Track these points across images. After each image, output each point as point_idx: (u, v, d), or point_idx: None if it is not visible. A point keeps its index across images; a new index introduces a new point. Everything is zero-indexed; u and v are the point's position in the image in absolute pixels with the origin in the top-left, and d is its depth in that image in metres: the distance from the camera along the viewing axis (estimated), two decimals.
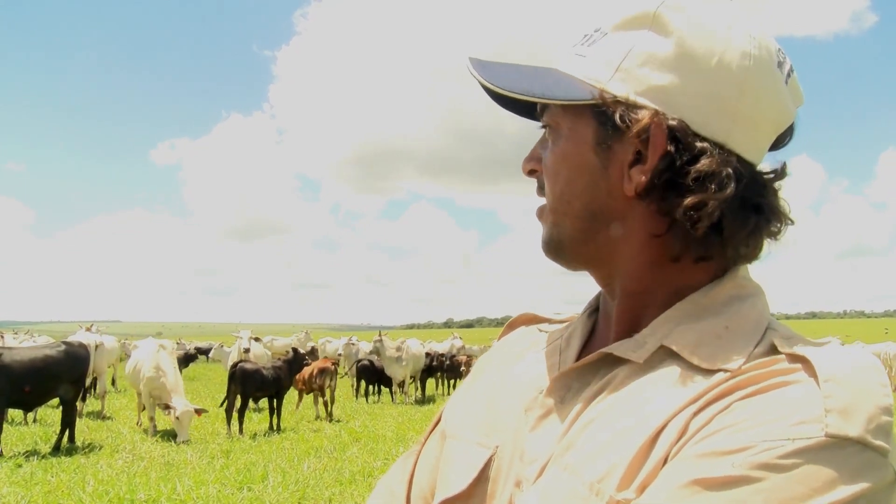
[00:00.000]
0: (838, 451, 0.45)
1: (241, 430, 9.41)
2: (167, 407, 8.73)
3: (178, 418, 8.58)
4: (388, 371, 14.01)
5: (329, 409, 11.42)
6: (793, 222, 0.62)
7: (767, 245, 0.63)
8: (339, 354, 16.68)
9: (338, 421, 11.06)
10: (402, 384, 14.26)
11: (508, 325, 0.82)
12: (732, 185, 0.56)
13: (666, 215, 0.59)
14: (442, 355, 15.99)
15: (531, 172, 0.68)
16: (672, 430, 0.51)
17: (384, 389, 15.25)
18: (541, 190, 0.68)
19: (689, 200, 0.56)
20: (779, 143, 0.63)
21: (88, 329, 12.71)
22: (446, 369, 15.74)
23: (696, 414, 0.51)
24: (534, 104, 0.65)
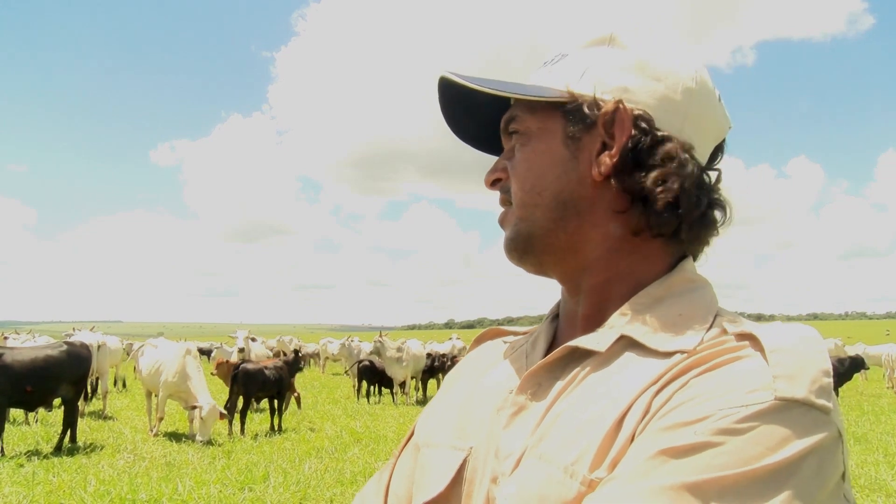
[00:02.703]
0: (788, 412, 0.50)
1: (242, 431, 9.43)
2: (194, 407, 8.72)
3: (203, 418, 8.56)
4: (389, 372, 14.00)
5: (290, 401, 11.47)
6: (718, 233, 0.68)
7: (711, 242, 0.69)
8: (332, 354, 16.52)
9: (306, 423, 11.06)
10: (402, 385, 14.26)
11: (475, 340, 0.86)
12: (691, 166, 0.64)
13: (628, 192, 0.64)
14: (443, 356, 15.98)
15: (496, 182, 0.72)
16: (636, 411, 0.55)
17: (385, 390, 15.25)
18: (505, 195, 0.71)
19: (655, 174, 0.63)
20: (712, 159, 0.70)
21: (92, 330, 12.69)
22: (447, 370, 15.66)
23: (657, 393, 0.55)
24: (493, 138, 0.73)
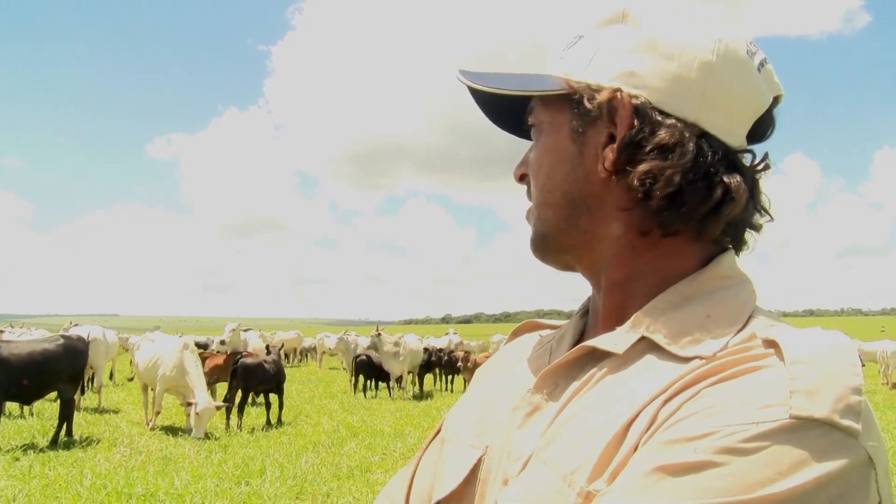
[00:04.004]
0: (804, 432, 0.44)
1: (239, 425, 9.43)
2: (189, 403, 8.69)
3: (198, 414, 8.53)
4: (386, 366, 13.99)
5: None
6: (771, 217, 0.64)
7: (753, 238, 0.64)
8: (329, 349, 16.50)
9: (303, 417, 11.07)
10: (399, 379, 14.27)
11: (513, 332, 0.83)
12: (690, 155, 0.57)
13: (631, 189, 0.59)
14: (440, 350, 15.99)
15: (522, 177, 0.70)
16: (643, 420, 0.51)
17: (381, 384, 15.26)
18: (530, 192, 0.69)
19: (641, 168, 0.58)
20: (761, 134, 0.64)
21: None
22: (444, 365, 15.74)
23: (666, 402, 0.51)
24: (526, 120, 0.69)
